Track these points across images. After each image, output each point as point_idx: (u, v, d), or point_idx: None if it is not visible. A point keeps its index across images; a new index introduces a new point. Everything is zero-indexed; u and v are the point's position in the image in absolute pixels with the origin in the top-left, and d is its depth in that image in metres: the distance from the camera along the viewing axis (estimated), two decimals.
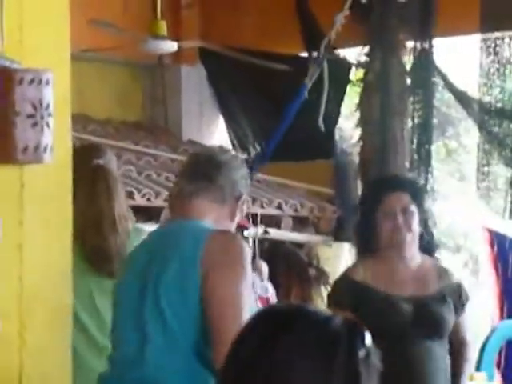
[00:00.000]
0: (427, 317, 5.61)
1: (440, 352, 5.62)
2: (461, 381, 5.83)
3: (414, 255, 5.65)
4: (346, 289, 5.60)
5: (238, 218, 4.67)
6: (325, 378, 2.20)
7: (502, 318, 8.38)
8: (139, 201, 8.48)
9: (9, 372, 4.49)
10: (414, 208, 5.65)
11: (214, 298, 4.27)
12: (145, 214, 8.51)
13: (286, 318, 2.32)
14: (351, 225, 8.62)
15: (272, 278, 9.07)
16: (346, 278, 5.67)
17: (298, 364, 2.22)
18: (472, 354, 6.11)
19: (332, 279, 9.34)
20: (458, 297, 5.80)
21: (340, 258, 9.62)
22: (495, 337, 7.86)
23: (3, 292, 4.37)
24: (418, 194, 5.85)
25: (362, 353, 2.23)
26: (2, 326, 4.38)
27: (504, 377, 8.52)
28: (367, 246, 5.75)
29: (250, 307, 4.29)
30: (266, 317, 2.38)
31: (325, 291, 9.39)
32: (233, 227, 4.69)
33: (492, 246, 9.37)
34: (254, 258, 8.79)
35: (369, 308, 5.48)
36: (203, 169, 4.63)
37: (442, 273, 5.87)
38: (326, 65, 8.36)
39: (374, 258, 5.69)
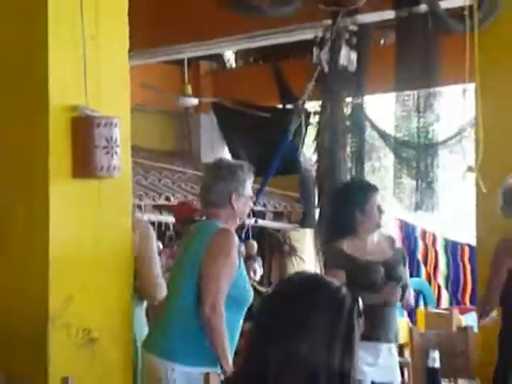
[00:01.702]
0: (393, 273, 5.32)
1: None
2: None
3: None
4: (339, 256, 5.23)
5: (241, 214, 4.42)
6: (332, 329, 2.09)
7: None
8: (173, 202, 8.61)
9: None
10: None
11: (203, 273, 4.13)
12: None
13: (311, 283, 2.19)
14: (312, 217, 8.87)
15: (259, 251, 9.10)
16: (336, 250, 5.27)
17: (313, 318, 2.09)
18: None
19: (299, 254, 9.78)
20: (402, 256, 5.56)
21: (304, 239, 9.71)
22: None
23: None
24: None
25: (356, 314, 2.13)
26: None
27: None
28: (348, 230, 5.32)
29: (227, 281, 4.12)
30: (297, 282, 2.20)
31: (295, 261, 9.61)
32: (236, 223, 4.40)
33: (401, 229, 9.58)
34: (247, 238, 9.04)
35: (355, 270, 5.16)
36: (205, 182, 4.46)
37: (392, 241, 5.66)
38: (303, 115, 8.16)
39: (353, 237, 5.32)
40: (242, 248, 8.84)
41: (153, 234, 4.82)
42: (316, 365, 2.02)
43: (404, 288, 5.36)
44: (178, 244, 6.15)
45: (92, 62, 4.08)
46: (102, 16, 4.14)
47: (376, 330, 5.10)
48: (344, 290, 2.14)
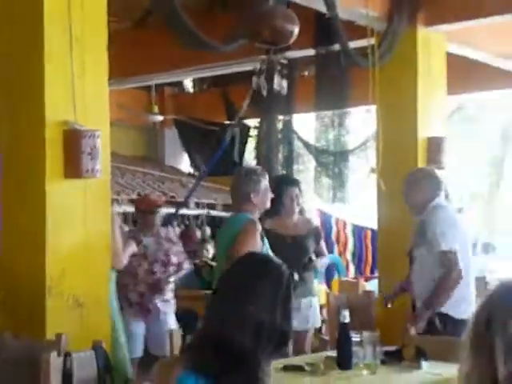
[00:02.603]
0: (302, 245, 5.44)
1: None
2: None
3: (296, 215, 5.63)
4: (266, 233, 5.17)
5: (261, 205, 4.45)
6: (274, 296, 2.08)
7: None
8: (152, 195, 8.32)
9: None
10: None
11: (229, 253, 4.21)
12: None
13: (259, 260, 2.22)
14: None
15: (212, 235, 8.99)
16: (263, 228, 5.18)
17: (260, 287, 2.08)
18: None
19: None
20: (315, 234, 5.66)
21: None
22: None
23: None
24: (300, 186, 5.78)
25: (291, 282, 2.15)
26: None
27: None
28: (275, 212, 5.37)
29: None
30: (249, 259, 2.25)
31: None
32: (258, 212, 4.46)
33: (320, 217, 9.55)
34: (202, 224, 9.16)
35: (279, 242, 5.14)
36: (231, 187, 4.58)
37: (308, 222, 5.80)
38: (237, 129, 8.41)
39: (277, 217, 5.42)
40: (198, 232, 9.07)
41: (116, 218, 4.93)
42: (261, 323, 2.01)
43: (310, 257, 5.44)
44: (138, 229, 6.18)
45: (79, 86, 4.06)
46: (88, 51, 4.14)
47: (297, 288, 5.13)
48: (284, 266, 2.14)
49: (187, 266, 6.29)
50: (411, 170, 5.31)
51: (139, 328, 5.84)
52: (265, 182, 4.48)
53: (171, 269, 5.97)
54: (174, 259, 6.02)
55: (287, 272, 2.13)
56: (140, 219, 6.19)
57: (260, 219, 5.26)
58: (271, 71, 6.74)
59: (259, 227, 4.37)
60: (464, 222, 4.96)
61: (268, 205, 4.56)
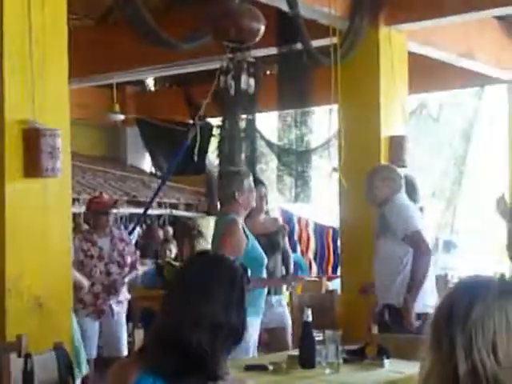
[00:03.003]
0: (275, 243, 5.50)
1: None
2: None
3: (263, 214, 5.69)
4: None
5: (247, 205, 4.58)
6: (228, 294, 2.07)
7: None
8: (105, 195, 8.36)
9: None
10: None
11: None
12: None
13: (212, 259, 2.21)
14: (215, 207, 8.71)
15: (174, 235, 9.09)
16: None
17: (214, 286, 2.08)
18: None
19: (205, 237, 9.74)
20: (284, 231, 5.77)
21: (209, 225, 9.52)
22: None
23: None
24: (265, 186, 5.79)
25: (245, 280, 2.15)
26: None
27: None
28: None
29: (234, 254, 4.23)
30: (202, 258, 2.24)
31: (202, 243, 9.56)
32: (244, 212, 4.59)
33: (282, 215, 9.55)
34: (164, 224, 9.21)
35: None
36: (216, 189, 4.92)
37: (275, 221, 5.88)
38: (198, 128, 8.18)
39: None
40: (161, 232, 9.07)
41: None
42: (217, 322, 2.00)
43: (284, 253, 5.57)
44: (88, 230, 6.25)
45: (39, 85, 4.03)
46: (48, 49, 4.11)
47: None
48: (237, 264, 2.15)
49: (139, 267, 6.35)
50: (375, 166, 5.36)
51: (93, 329, 5.88)
52: (249, 182, 4.61)
53: (126, 269, 6.03)
54: (129, 259, 6.08)
55: (241, 270, 2.13)
56: (92, 220, 6.20)
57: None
58: (238, 70, 6.85)
59: (240, 226, 4.46)
60: (424, 221, 5.01)
61: (253, 204, 4.67)
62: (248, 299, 2.16)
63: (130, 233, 7.78)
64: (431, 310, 4.30)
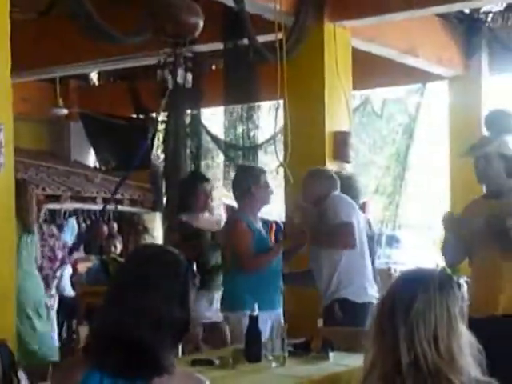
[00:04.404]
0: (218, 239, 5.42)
1: None
2: None
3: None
4: (184, 227, 5.24)
5: (262, 201, 4.78)
6: (171, 286, 2.03)
7: None
8: (48, 191, 8.49)
9: None
10: None
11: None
12: (52, 198, 8.47)
13: (156, 253, 2.14)
14: (160, 203, 8.90)
15: (119, 231, 9.02)
16: (181, 222, 5.29)
17: (157, 279, 2.03)
18: None
19: (150, 232, 9.70)
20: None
21: (154, 220, 9.64)
22: None
23: None
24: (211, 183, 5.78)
25: (189, 273, 2.13)
26: None
27: None
28: (186, 206, 5.37)
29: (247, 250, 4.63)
30: (145, 252, 2.18)
31: (147, 238, 9.52)
32: (258, 208, 4.79)
33: (227, 212, 9.49)
34: (109, 220, 9.08)
35: (190, 233, 5.21)
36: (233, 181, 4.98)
37: (217, 222, 5.71)
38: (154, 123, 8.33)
39: (192, 213, 5.35)
40: (105, 228, 9.01)
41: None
42: (160, 315, 1.98)
43: None
44: None
45: None
46: None
47: (208, 282, 5.24)
48: (181, 257, 2.10)
49: (69, 261, 6.43)
50: (310, 169, 5.39)
51: None
52: (265, 178, 4.77)
53: (57, 264, 6.14)
54: (59, 254, 6.17)
55: (184, 262, 2.10)
56: None
57: (177, 214, 5.41)
58: (175, 64, 6.82)
59: (243, 225, 4.63)
60: (361, 217, 5.06)
61: (269, 201, 4.84)
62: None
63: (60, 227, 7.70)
64: (373, 301, 4.37)
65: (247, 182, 4.68)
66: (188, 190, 5.42)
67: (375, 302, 4.66)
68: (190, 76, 5.30)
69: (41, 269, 5.91)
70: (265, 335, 3.90)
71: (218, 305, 5.31)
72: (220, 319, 5.26)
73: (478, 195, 4.24)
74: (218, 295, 5.35)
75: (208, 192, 5.49)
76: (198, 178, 5.78)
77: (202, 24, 5.00)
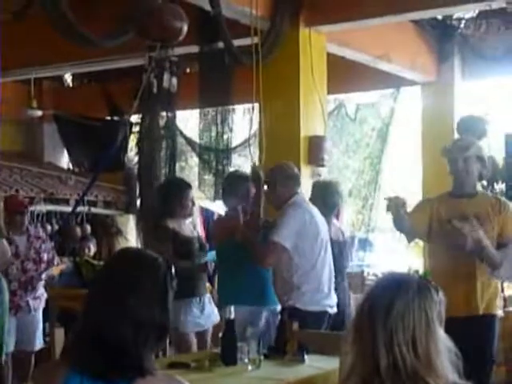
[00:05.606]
0: (202, 244, 5.45)
1: None
2: None
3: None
4: (165, 231, 5.17)
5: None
6: (150, 289, 2.03)
7: None
8: (22, 192, 8.41)
9: None
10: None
11: None
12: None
13: (134, 256, 2.15)
14: (134, 205, 8.83)
15: (93, 233, 9.01)
16: (166, 228, 5.20)
17: (136, 282, 2.03)
18: None
19: (124, 234, 9.68)
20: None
21: (128, 223, 9.65)
22: None
23: None
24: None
25: (168, 275, 2.09)
26: None
27: None
28: (172, 213, 5.28)
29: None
30: (124, 255, 2.19)
31: (121, 240, 9.50)
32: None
33: (202, 214, 9.59)
34: (82, 222, 9.02)
35: (180, 239, 5.18)
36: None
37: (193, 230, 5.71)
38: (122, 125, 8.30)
39: (175, 219, 5.26)
40: (78, 230, 8.95)
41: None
42: (140, 318, 1.98)
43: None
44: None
45: None
46: None
47: (196, 287, 5.22)
48: (160, 259, 2.11)
49: (56, 263, 6.51)
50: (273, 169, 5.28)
51: (10, 324, 5.81)
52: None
53: (43, 266, 6.19)
54: (45, 256, 6.23)
55: (164, 265, 2.10)
56: (7, 219, 6.06)
57: (160, 219, 5.34)
58: (161, 69, 6.73)
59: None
60: (321, 221, 4.94)
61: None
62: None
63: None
64: (330, 310, 4.37)
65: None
66: (173, 196, 5.34)
67: (330, 311, 4.72)
68: (174, 80, 5.29)
69: (24, 271, 6.06)
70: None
71: (212, 306, 5.35)
72: (217, 318, 5.27)
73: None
74: (207, 297, 5.36)
75: (193, 199, 5.46)
76: (183, 184, 5.70)
77: (186, 28, 4.99)
